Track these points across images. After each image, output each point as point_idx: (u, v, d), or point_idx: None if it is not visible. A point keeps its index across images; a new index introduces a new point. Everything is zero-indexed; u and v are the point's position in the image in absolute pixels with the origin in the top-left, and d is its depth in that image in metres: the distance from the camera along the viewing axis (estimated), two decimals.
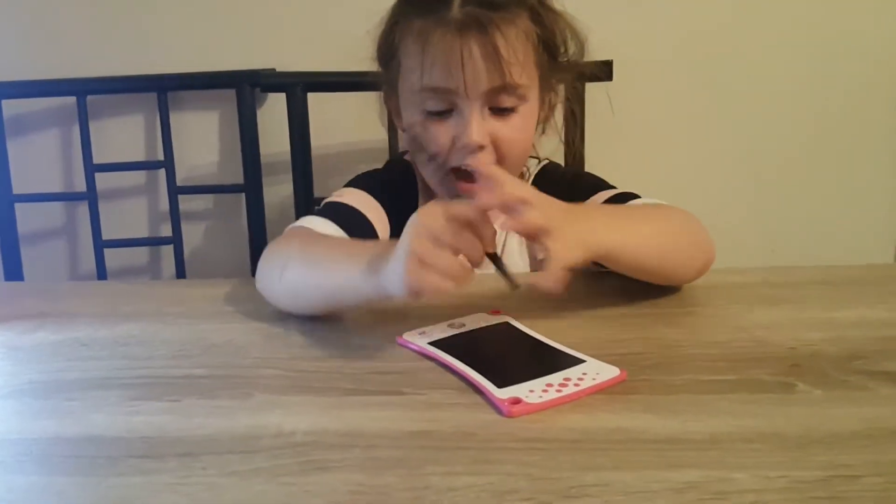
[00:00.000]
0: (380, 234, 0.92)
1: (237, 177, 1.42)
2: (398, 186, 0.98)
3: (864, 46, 1.39)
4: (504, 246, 0.96)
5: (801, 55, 1.40)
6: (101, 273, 1.45)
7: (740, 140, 1.44)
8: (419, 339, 0.71)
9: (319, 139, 1.36)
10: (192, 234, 1.49)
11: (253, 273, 1.39)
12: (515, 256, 0.97)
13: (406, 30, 0.86)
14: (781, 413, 0.57)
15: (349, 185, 0.98)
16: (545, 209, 0.66)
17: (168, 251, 1.46)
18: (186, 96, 1.44)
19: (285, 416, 0.59)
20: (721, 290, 0.82)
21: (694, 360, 0.66)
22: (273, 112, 1.41)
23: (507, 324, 0.75)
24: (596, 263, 0.76)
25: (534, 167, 1.01)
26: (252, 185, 1.42)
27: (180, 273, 1.45)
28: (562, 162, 1.19)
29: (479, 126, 0.85)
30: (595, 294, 0.82)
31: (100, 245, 1.44)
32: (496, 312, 0.77)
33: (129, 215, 1.50)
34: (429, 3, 0.84)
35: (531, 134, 0.92)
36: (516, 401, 0.59)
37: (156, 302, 0.88)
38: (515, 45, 0.83)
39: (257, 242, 1.42)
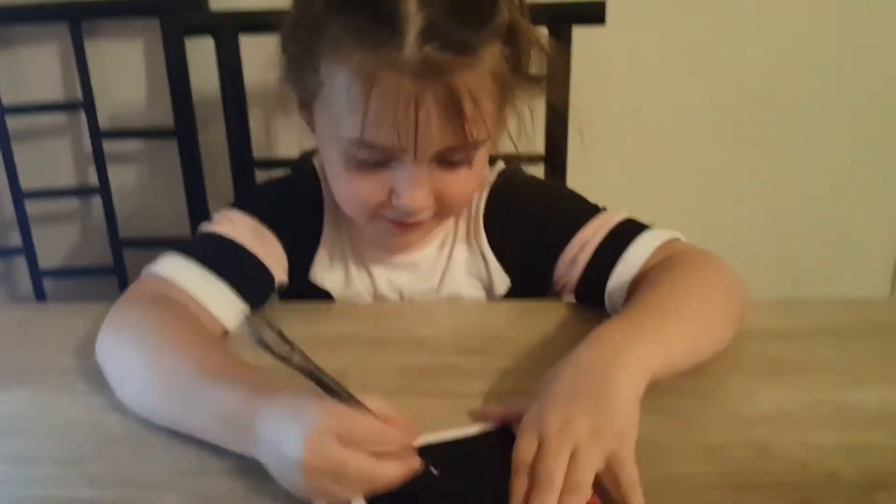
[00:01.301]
0: (271, 270, 0.78)
1: (167, 119, 1.24)
2: (298, 205, 0.81)
3: None
4: (445, 273, 0.82)
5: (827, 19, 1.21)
6: (24, 225, 1.30)
7: (757, 112, 1.27)
8: None
9: (256, 75, 1.15)
10: (122, 183, 1.32)
11: (192, 231, 1.27)
12: (461, 285, 0.82)
13: (339, 54, 0.64)
14: None
15: (236, 204, 0.81)
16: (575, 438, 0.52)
17: (97, 200, 1.30)
18: (104, 26, 1.23)
19: None
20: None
21: (685, 486, 0.55)
22: (205, 45, 1.21)
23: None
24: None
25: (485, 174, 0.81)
26: (184, 129, 1.24)
27: (111, 226, 1.30)
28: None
29: (422, 190, 0.69)
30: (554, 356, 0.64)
31: (18, 195, 1.28)
32: None
33: (51, 162, 1.33)
34: (372, 26, 0.62)
35: (481, 177, 0.75)
36: None
37: (55, 347, 0.74)
38: (480, 96, 0.64)
39: (194, 194, 1.26)
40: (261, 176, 1.20)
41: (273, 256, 0.78)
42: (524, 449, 0.53)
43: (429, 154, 0.67)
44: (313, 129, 0.75)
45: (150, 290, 0.72)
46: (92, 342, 0.73)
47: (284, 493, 0.55)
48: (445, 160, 0.68)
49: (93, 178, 1.29)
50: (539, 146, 1.09)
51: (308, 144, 0.83)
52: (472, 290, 0.82)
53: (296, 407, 0.53)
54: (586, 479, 0.50)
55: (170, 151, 1.27)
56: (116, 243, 1.31)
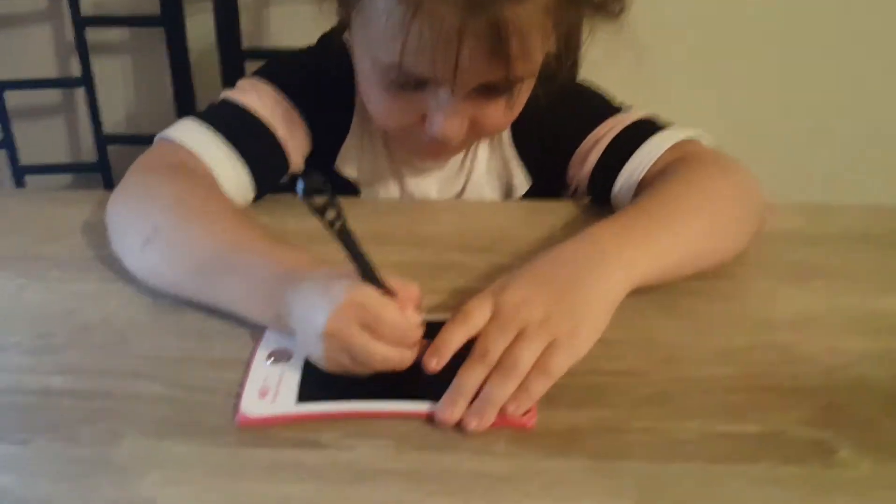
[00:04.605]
0: (289, 154, 0.71)
1: (153, 5, 1.16)
2: (330, 88, 0.74)
3: None
4: (469, 174, 0.77)
5: None
6: (4, 118, 1.23)
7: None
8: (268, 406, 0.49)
9: None
10: (107, 75, 1.24)
11: None
12: (483, 186, 0.77)
13: None
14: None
15: (262, 73, 0.74)
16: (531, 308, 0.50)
17: (81, 93, 1.24)
18: None
19: (161, 486, 0.44)
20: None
21: (704, 389, 0.51)
22: None
23: None
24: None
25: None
26: (171, 17, 1.16)
27: (96, 120, 1.23)
28: None
29: (456, 120, 0.62)
30: None
31: None
32: None
33: (31, 51, 1.25)
34: None
35: (520, 108, 0.67)
36: None
37: (30, 234, 0.69)
38: (530, 32, 0.57)
39: (182, 87, 1.20)
40: (251, 67, 1.13)
41: (296, 142, 0.72)
42: (475, 305, 0.51)
43: (467, 88, 0.61)
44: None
45: (169, 157, 0.66)
46: (68, 229, 0.69)
47: None
48: (485, 88, 0.62)
49: (76, 69, 1.22)
50: None
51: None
52: (492, 191, 0.78)
53: (328, 282, 0.50)
54: (522, 362, 0.48)
55: (156, 41, 1.19)
56: (101, 139, 1.24)
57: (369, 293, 0.49)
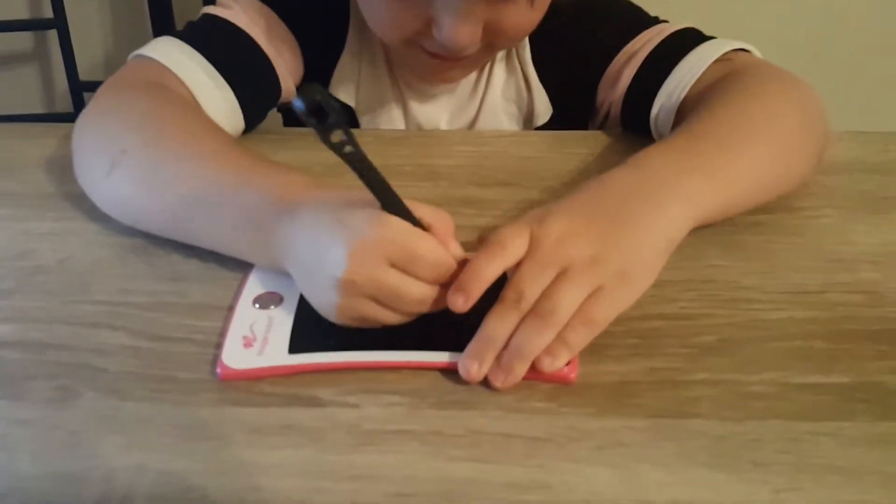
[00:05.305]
0: (281, 82, 0.62)
1: None
2: (323, 7, 0.65)
3: None
4: (483, 98, 0.68)
5: None
6: None
7: None
8: (256, 359, 0.41)
9: None
10: (81, 15, 1.15)
11: None
12: (498, 111, 0.68)
13: None
14: None
15: None
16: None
17: (54, 36, 1.14)
18: None
19: (123, 453, 0.36)
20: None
21: (777, 336, 0.43)
22: None
23: None
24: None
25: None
26: None
27: (69, 63, 1.14)
28: None
29: (469, 23, 0.53)
30: None
31: None
32: None
33: None
34: None
35: (544, 9, 0.57)
36: None
37: None
38: None
39: (163, 30, 1.10)
40: None
41: (286, 62, 0.63)
42: (510, 233, 0.42)
43: None
44: None
45: (143, 75, 0.57)
46: (24, 164, 0.61)
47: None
48: None
49: (47, 10, 1.13)
50: None
51: None
52: (509, 119, 0.68)
53: (341, 211, 0.41)
54: (563, 308, 0.40)
55: None
56: (76, 86, 1.15)
57: (399, 224, 0.40)
